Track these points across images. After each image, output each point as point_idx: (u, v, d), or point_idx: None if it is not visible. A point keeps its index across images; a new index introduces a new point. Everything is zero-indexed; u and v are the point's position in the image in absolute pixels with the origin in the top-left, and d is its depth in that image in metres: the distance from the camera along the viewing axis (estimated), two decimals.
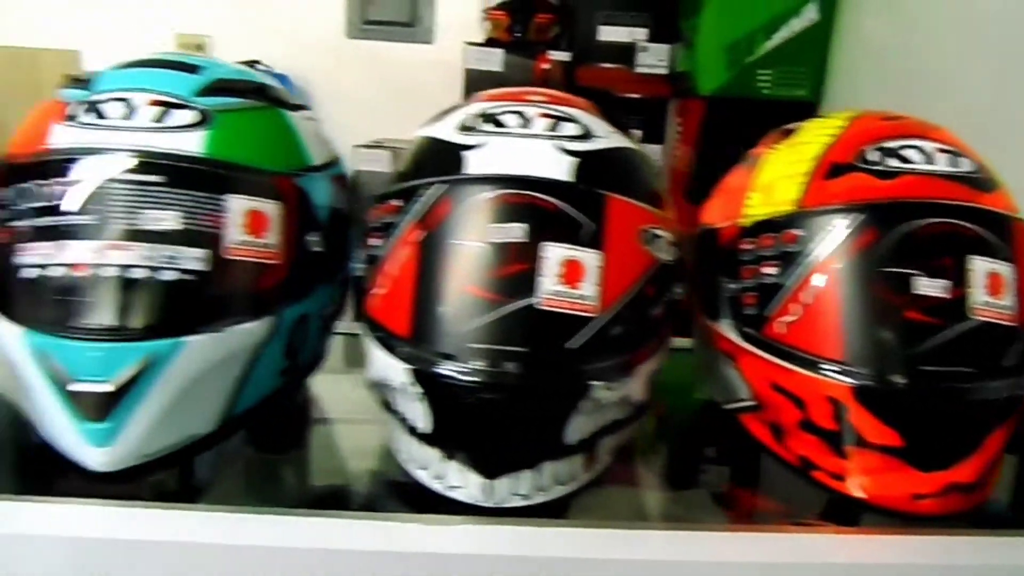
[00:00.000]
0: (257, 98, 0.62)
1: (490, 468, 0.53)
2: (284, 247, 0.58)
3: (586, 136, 0.58)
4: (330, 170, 0.66)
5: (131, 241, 0.53)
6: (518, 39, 2.14)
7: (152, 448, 0.55)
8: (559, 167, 0.55)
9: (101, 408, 0.53)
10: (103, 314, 0.53)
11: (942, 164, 0.59)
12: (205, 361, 0.55)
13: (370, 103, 2.35)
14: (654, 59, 2.13)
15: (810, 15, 1.83)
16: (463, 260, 0.54)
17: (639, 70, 2.14)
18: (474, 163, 0.56)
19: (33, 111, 0.60)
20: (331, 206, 0.64)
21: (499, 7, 2.15)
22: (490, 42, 2.19)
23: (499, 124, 0.58)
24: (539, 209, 0.54)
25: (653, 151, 2.19)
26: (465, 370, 0.52)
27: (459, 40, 2.26)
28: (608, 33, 2.11)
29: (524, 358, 0.52)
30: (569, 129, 0.58)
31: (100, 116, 0.56)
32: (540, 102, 0.61)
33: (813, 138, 0.64)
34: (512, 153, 0.56)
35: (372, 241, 0.59)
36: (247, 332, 0.57)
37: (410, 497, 0.58)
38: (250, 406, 0.60)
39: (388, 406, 0.59)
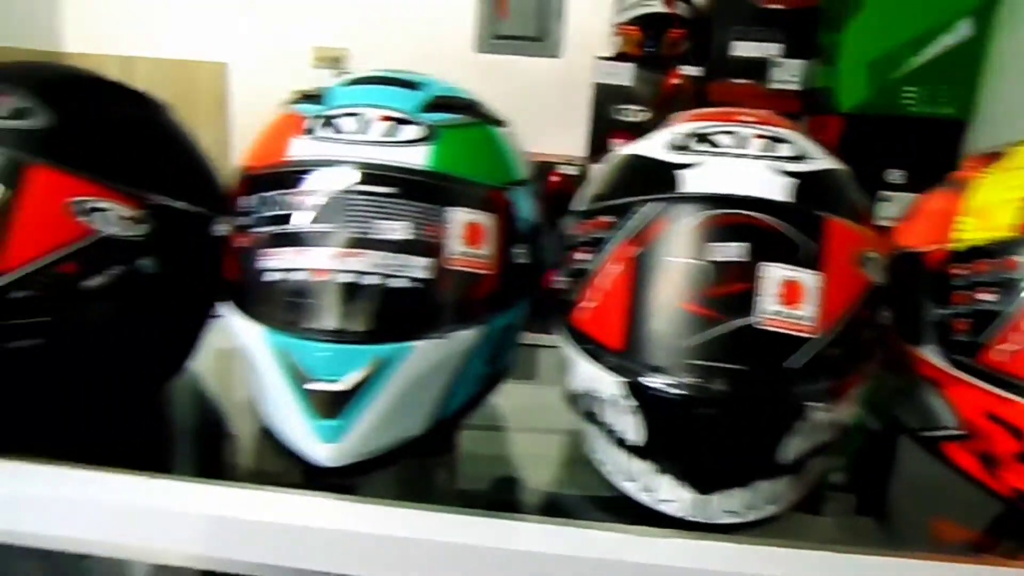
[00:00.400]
0: (471, 114, 0.65)
1: (704, 484, 0.54)
2: (496, 258, 0.61)
3: (801, 157, 0.58)
4: (530, 185, 0.68)
5: (366, 249, 0.56)
6: (649, 54, 2.14)
7: (372, 447, 0.58)
8: (777, 188, 0.56)
9: (333, 406, 0.56)
10: (339, 317, 0.56)
11: None
12: (427, 365, 0.58)
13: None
14: (787, 75, 2.09)
15: (963, 31, 1.76)
16: (680, 277, 0.55)
17: (771, 86, 2.10)
18: (690, 182, 0.57)
19: (270, 124, 0.65)
20: (532, 220, 0.66)
21: (631, 22, 2.15)
22: (620, 56, 2.19)
23: (713, 144, 0.59)
24: (759, 229, 0.54)
25: None
26: (683, 385, 0.53)
27: (586, 54, 2.28)
28: (742, 48, 2.08)
29: (743, 376, 0.52)
30: (784, 150, 0.58)
31: (336, 131, 0.60)
32: (751, 122, 0.61)
33: None
34: (729, 173, 0.57)
35: (579, 256, 0.61)
36: (463, 339, 0.59)
37: (612, 507, 0.59)
38: (455, 411, 0.63)
39: (592, 417, 0.60)
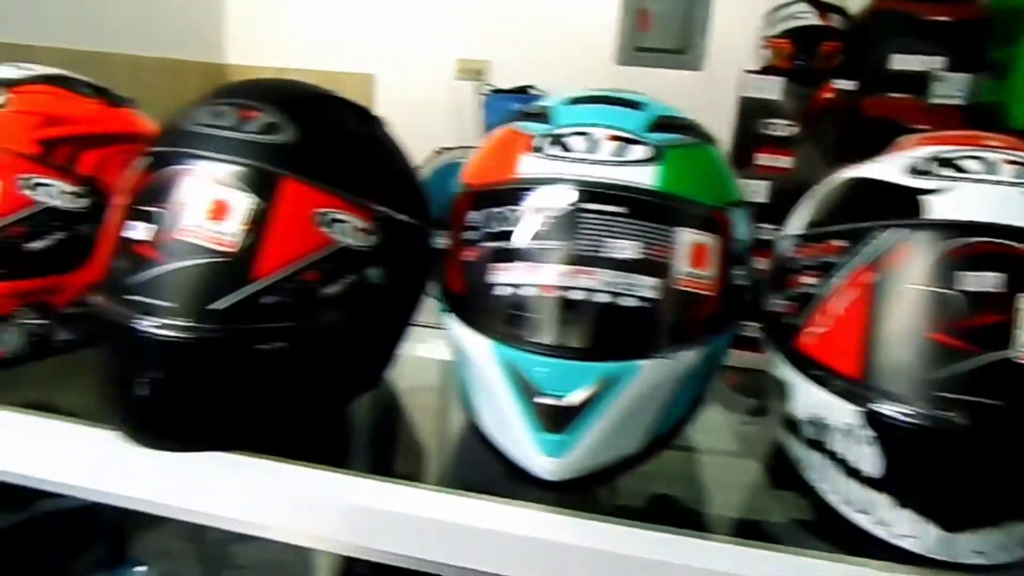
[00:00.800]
0: (692, 134, 0.64)
1: (953, 522, 0.52)
2: (717, 279, 0.60)
3: None
4: (744, 205, 0.67)
5: (596, 267, 0.57)
6: (800, 67, 2.08)
7: (592, 463, 0.59)
8: None
9: (561, 421, 0.57)
10: (569, 334, 0.57)
11: None
12: (652, 384, 0.58)
13: None
14: (951, 89, 1.98)
15: None
16: (927, 306, 0.53)
17: (932, 100, 2.00)
18: (938, 208, 0.55)
19: (491, 142, 0.67)
20: (747, 240, 0.65)
21: (783, 34, 2.10)
22: (767, 69, 2.14)
23: (960, 169, 0.57)
24: (1017, 259, 0.52)
25: None
26: (929, 417, 0.51)
27: (729, 67, 2.24)
28: (901, 62, 1.99)
29: (1000, 412, 0.50)
30: None
31: (565, 149, 0.61)
32: (998, 147, 0.59)
33: None
34: (982, 200, 0.54)
35: (804, 279, 0.60)
36: (686, 359, 0.59)
37: (833, 536, 0.57)
38: (669, 430, 0.63)
39: (818, 445, 0.59)
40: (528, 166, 0.61)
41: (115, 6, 2.28)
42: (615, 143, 0.60)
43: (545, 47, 2.50)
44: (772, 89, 2.10)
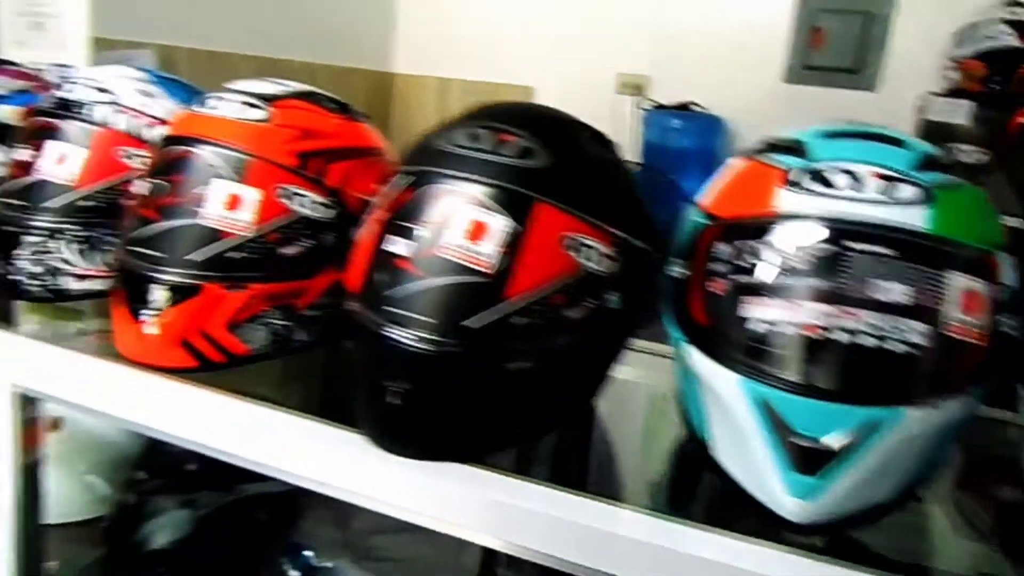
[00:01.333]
0: (959, 174, 0.62)
1: None
2: (987, 327, 0.57)
3: None
4: (1010, 249, 0.64)
5: (862, 309, 0.55)
6: (993, 91, 1.95)
7: (842, 509, 0.57)
8: None
9: (816, 464, 0.55)
10: (830, 375, 0.55)
11: None
12: (914, 434, 0.56)
13: None
14: None
15: None
16: None
17: None
18: None
19: (743, 173, 0.66)
20: (1015, 287, 0.62)
21: (977, 56, 1.98)
22: (955, 92, 2.03)
23: None
24: None
25: None
26: None
27: (906, 88, 2.14)
28: None
29: None
30: None
31: (827, 185, 0.59)
32: None
33: None
34: None
35: None
36: (950, 410, 0.56)
37: None
38: (920, 480, 0.60)
39: None
40: (787, 201, 0.60)
41: (293, 16, 2.41)
42: (882, 181, 0.58)
43: (709, 63, 2.46)
44: (959, 113, 1.99)
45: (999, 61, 1.94)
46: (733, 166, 0.68)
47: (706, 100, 2.42)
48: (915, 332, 0.55)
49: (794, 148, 0.64)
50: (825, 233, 0.57)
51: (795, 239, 0.58)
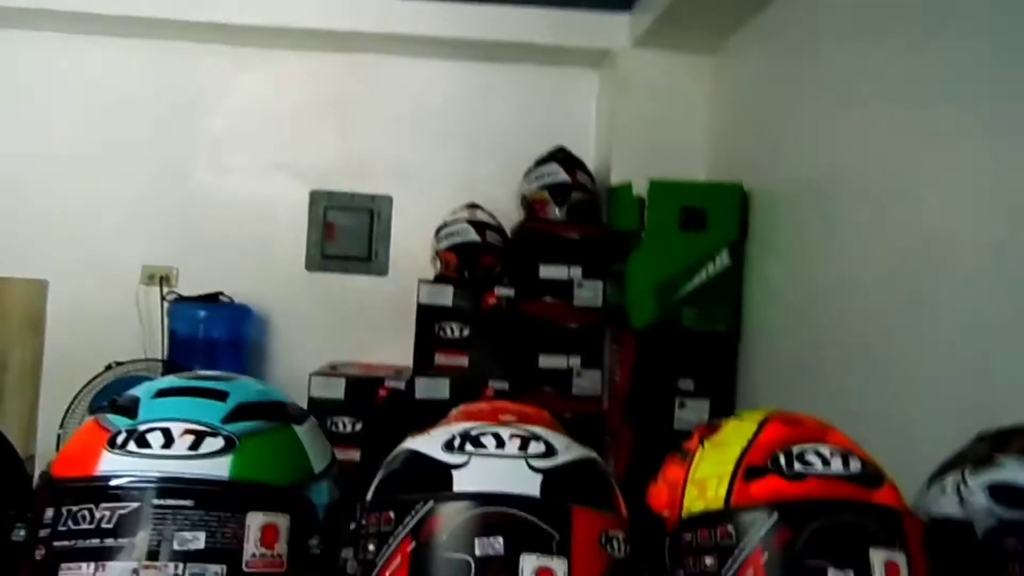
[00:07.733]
0: (273, 418, 0.73)
1: None
2: (289, 554, 0.67)
3: (550, 453, 0.70)
4: (330, 472, 0.76)
5: (172, 561, 0.61)
6: (464, 277, 2.34)
7: None
8: (530, 484, 0.67)
9: None
10: None
11: (838, 466, 0.73)
12: None
13: (325, 331, 2.50)
14: (589, 293, 2.35)
15: (723, 261, 2.08)
16: (449, 572, 0.63)
17: (576, 303, 2.35)
18: (460, 481, 0.67)
19: (81, 433, 0.70)
20: (328, 504, 0.73)
21: (449, 249, 2.36)
22: (439, 279, 2.38)
23: (479, 444, 0.70)
24: (516, 523, 0.64)
25: (592, 376, 2.36)
26: None
27: (410, 273, 2.45)
28: (547, 271, 2.33)
29: None
30: (535, 448, 0.70)
31: (144, 444, 0.66)
32: (512, 423, 0.73)
33: (732, 440, 0.77)
34: (490, 472, 0.68)
35: (369, 546, 0.68)
36: None
37: None
38: None
39: None
40: (108, 463, 0.65)
41: None
42: (191, 437, 0.67)
43: (235, 255, 2.56)
44: (445, 295, 2.33)
45: (465, 253, 2.34)
46: (82, 426, 0.72)
47: (234, 289, 2.49)
48: (212, 574, 0.62)
49: (128, 408, 0.70)
50: (135, 492, 0.63)
51: (108, 501, 0.63)
